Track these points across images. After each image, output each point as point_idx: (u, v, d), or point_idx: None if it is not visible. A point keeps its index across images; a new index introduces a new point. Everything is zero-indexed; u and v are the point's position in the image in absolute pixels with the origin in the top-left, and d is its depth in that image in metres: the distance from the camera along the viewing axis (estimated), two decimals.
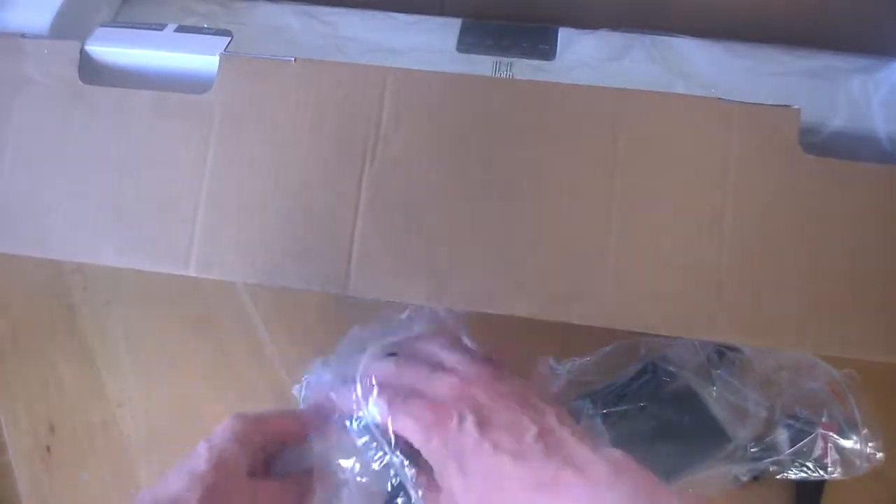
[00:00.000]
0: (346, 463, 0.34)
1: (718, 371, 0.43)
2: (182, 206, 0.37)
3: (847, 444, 0.41)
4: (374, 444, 0.34)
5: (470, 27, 0.46)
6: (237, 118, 0.37)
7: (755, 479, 0.43)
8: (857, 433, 0.41)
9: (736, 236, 0.34)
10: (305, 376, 0.41)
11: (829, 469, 0.41)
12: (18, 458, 0.49)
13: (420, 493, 0.32)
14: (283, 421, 0.38)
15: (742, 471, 0.42)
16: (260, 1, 0.48)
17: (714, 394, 0.42)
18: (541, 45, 0.44)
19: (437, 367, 0.35)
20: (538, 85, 0.37)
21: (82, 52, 0.39)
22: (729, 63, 0.43)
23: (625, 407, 0.43)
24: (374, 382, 0.34)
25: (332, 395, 0.36)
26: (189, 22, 0.46)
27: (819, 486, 0.42)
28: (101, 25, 0.42)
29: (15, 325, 0.52)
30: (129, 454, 0.48)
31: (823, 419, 0.42)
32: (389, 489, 0.34)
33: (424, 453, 0.32)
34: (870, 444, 0.41)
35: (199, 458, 0.33)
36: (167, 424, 0.48)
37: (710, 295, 0.34)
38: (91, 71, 0.40)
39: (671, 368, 0.43)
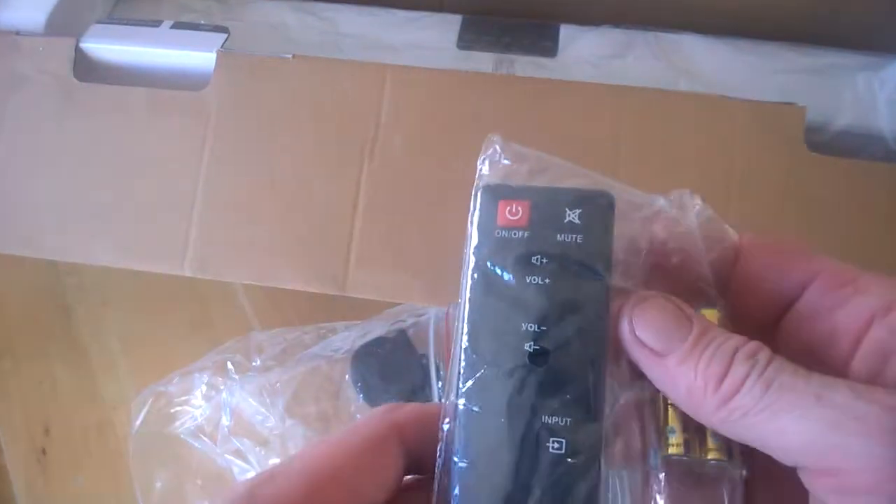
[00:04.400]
0: None
1: None
2: (178, 205, 0.36)
3: None
4: None
5: (470, 23, 0.45)
6: (234, 116, 0.37)
7: None
8: None
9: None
10: None
11: None
12: (13, 461, 0.48)
13: None
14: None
15: None
16: None
17: None
18: (542, 41, 0.44)
19: None
20: (539, 82, 0.37)
21: (77, 49, 0.39)
22: (733, 60, 0.42)
23: None
24: None
25: None
26: (185, 18, 0.45)
27: None
28: (97, 22, 0.41)
29: (10, 326, 0.51)
30: (125, 457, 0.47)
31: None
32: None
33: None
34: None
35: None
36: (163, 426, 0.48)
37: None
38: (86, 68, 0.39)
39: None
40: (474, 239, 0.21)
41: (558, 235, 0.20)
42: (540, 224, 0.20)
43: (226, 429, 0.44)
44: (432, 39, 0.45)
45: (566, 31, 0.44)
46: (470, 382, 0.20)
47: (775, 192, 0.35)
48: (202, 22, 0.43)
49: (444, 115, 0.36)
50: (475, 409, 0.20)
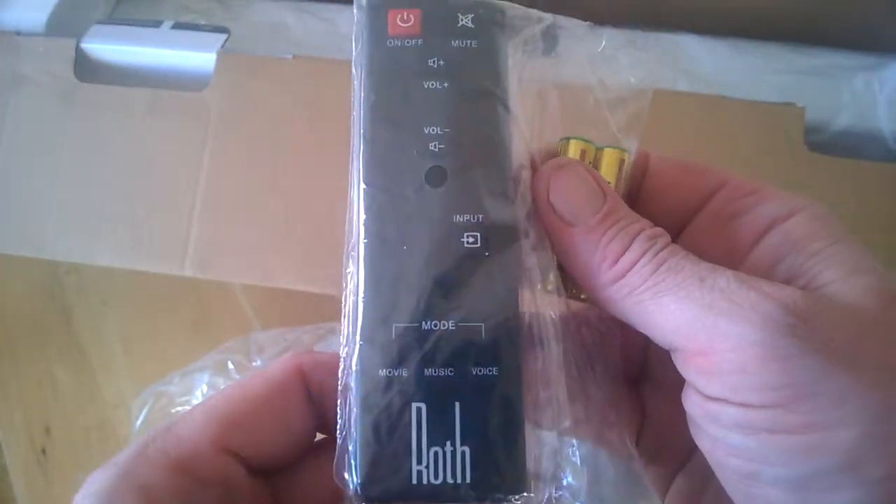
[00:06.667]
0: None
1: None
2: (178, 205, 0.36)
3: None
4: None
5: None
6: (234, 116, 0.37)
7: None
8: None
9: None
10: None
11: None
12: (14, 461, 0.48)
13: None
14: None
15: None
16: None
17: None
18: (542, 41, 0.44)
19: None
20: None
21: (78, 49, 0.39)
22: (733, 60, 0.42)
23: None
24: None
25: None
26: (186, 19, 0.45)
27: None
28: (97, 23, 0.41)
29: (10, 326, 0.51)
30: None
31: None
32: None
33: None
34: None
35: None
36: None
37: None
38: (87, 69, 0.39)
39: None
40: (364, 58, 0.20)
41: (453, 41, 0.20)
42: (433, 30, 0.20)
43: None
44: None
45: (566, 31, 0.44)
46: (370, 212, 0.19)
47: None
48: (202, 22, 0.43)
49: None
50: (370, 240, 0.19)
